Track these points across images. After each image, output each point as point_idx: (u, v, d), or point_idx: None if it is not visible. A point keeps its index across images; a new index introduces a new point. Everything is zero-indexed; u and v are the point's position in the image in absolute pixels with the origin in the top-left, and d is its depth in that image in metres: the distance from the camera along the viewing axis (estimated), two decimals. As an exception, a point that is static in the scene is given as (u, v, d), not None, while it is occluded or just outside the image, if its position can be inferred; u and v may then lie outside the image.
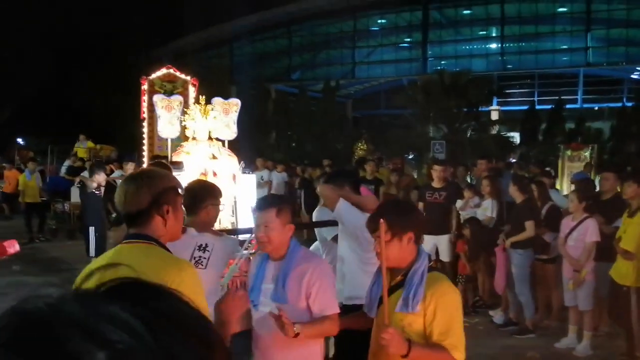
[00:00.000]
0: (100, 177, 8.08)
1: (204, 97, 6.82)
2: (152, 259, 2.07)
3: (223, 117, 6.79)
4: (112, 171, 11.94)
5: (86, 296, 0.61)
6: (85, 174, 12.91)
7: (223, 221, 5.63)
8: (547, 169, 12.17)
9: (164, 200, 2.15)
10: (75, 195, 13.33)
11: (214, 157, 6.44)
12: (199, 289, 2.08)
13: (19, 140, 29.91)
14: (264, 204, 2.98)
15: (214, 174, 6.06)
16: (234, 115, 6.96)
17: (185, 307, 0.65)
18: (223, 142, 6.81)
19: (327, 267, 3.12)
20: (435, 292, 2.42)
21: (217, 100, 6.87)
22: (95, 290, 0.63)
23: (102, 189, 8.75)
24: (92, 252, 7.97)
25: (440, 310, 2.37)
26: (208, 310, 2.01)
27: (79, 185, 13.58)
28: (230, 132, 6.95)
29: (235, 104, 7.04)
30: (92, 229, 7.81)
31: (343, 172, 4.38)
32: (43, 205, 13.59)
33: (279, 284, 2.85)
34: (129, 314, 0.57)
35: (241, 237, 5.56)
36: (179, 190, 2.28)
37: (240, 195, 6.17)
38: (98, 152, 18.68)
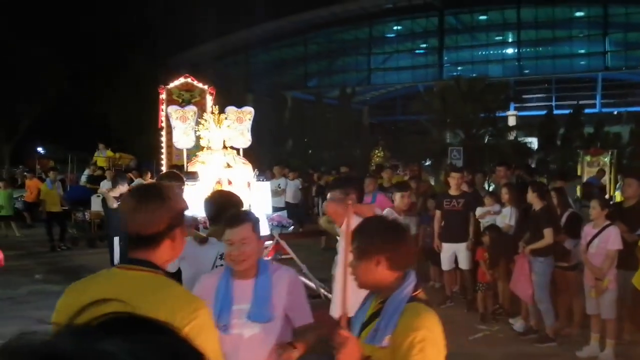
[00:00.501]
0: (123, 188, 8.21)
1: (217, 106, 6.87)
2: (160, 294, 1.82)
3: (237, 125, 6.87)
4: (131, 180, 12.05)
5: (80, 332, 0.60)
6: (105, 183, 13.12)
7: None
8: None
9: (178, 222, 1.96)
10: (95, 204, 13.48)
11: (229, 166, 6.53)
12: (212, 330, 1.92)
13: (40, 149, 30.27)
14: (238, 220, 2.78)
15: (229, 183, 6.18)
16: (247, 124, 7.03)
17: (180, 343, 0.64)
18: (238, 150, 6.86)
19: (298, 277, 3.00)
20: (409, 326, 2.06)
21: (230, 109, 6.96)
22: (88, 326, 0.62)
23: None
24: (116, 261, 8.07)
25: (413, 349, 2.03)
26: (220, 352, 1.94)
27: (98, 196, 13.79)
28: (245, 140, 7.02)
29: (248, 112, 7.13)
30: (116, 239, 7.91)
31: (349, 179, 4.29)
32: (64, 214, 13.73)
33: (260, 302, 2.70)
34: (123, 350, 0.57)
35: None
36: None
37: (254, 202, 6.21)
38: (117, 160, 18.86)
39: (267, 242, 5.97)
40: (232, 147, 6.80)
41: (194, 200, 5.82)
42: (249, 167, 6.73)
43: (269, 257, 6.00)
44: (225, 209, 3.42)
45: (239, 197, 3.81)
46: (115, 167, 16.42)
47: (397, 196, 6.19)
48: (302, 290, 2.90)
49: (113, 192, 8.77)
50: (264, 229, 5.99)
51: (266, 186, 7.23)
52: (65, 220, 13.66)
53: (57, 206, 13.40)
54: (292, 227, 7.09)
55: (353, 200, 3.79)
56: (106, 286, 1.90)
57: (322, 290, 5.73)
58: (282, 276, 2.80)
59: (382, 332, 2.10)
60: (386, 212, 5.19)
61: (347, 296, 2.35)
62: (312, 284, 5.95)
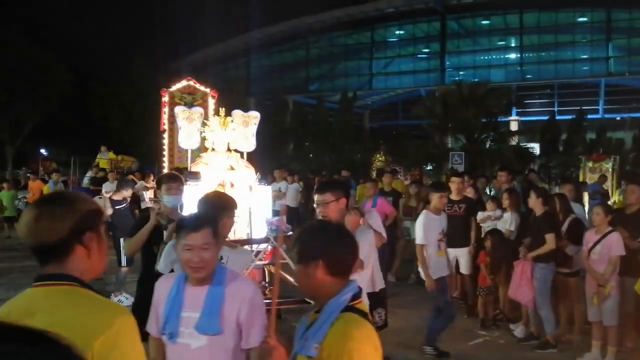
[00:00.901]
0: (127, 193, 8.26)
1: (223, 109, 6.91)
2: (72, 306, 1.68)
3: (242, 129, 6.90)
4: (134, 182, 12.07)
5: None
6: (107, 185, 13.15)
7: (238, 232, 5.70)
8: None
9: (88, 225, 1.76)
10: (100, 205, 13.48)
11: (232, 169, 6.53)
12: (132, 339, 1.72)
13: (43, 151, 30.34)
14: (197, 224, 2.59)
15: (232, 185, 6.15)
16: (253, 128, 7.05)
17: (53, 353, 0.62)
18: (241, 153, 6.88)
19: (258, 290, 2.78)
20: (338, 336, 1.94)
21: (236, 113, 6.97)
22: None
23: (128, 199, 9.01)
24: (123, 262, 8.17)
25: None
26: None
27: (100, 197, 13.79)
28: (249, 144, 7.04)
29: (254, 116, 7.14)
30: (122, 240, 7.97)
31: (339, 182, 4.21)
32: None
33: (209, 312, 2.52)
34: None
35: (255, 247, 5.78)
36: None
37: (255, 206, 6.17)
38: (119, 163, 18.90)
39: (263, 246, 5.91)
40: (236, 150, 6.83)
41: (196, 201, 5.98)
42: (251, 170, 6.75)
43: (267, 262, 6.06)
44: (219, 211, 3.40)
45: (233, 199, 3.74)
46: (117, 169, 16.44)
47: (435, 196, 6.07)
48: (260, 308, 2.66)
49: (116, 196, 8.79)
50: (262, 233, 6.05)
51: (267, 190, 7.15)
52: None
53: None
54: (291, 232, 7.01)
55: (344, 204, 3.82)
56: (22, 304, 1.74)
57: None
58: (240, 288, 2.61)
59: (311, 341, 2.00)
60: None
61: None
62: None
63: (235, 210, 3.66)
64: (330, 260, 2.05)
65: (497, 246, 7.00)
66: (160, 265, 3.81)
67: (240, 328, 2.56)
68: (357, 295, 2.08)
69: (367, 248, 3.98)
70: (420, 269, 6.25)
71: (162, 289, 2.70)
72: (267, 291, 5.55)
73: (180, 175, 5.00)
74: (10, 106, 26.53)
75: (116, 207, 8.32)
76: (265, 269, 6.28)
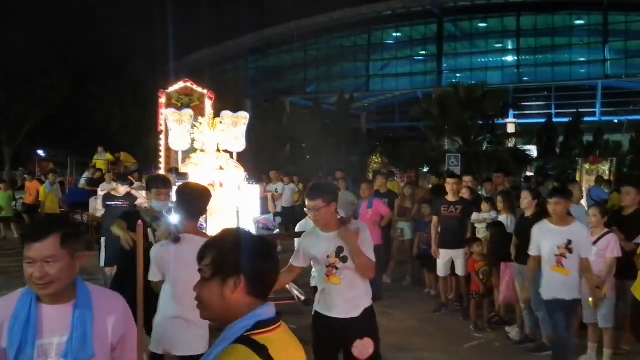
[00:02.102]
0: (123, 188, 8.17)
1: (213, 111, 6.96)
2: None
3: (232, 129, 6.96)
4: (132, 183, 12.03)
5: None
6: (104, 185, 13.13)
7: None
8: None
9: None
10: (93, 206, 13.49)
11: (221, 169, 6.64)
12: None
13: (40, 152, 30.29)
14: (39, 233, 2.14)
15: (221, 185, 6.22)
16: (242, 128, 7.08)
17: None
18: (231, 154, 6.94)
19: (129, 310, 2.40)
20: None
21: (225, 113, 7.06)
22: None
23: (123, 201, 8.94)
24: (102, 262, 7.96)
25: None
26: None
27: (96, 198, 13.80)
28: (239, 144, 7.08)
29: (243, 117, 7.17)
30: (103, 240, 7.89)
31: (328, 187, 4.18)
32: (63, 216, 13.76)
33: (80, 335, 2.14)
34: None
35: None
36: None
37: (243, 205, 6.25)
38: (123, 163, 18.92)
39: None
40: (225, 151, 6.91)
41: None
42: (240, 170, 6.84)
43: None
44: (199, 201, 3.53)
45: (209, 190, 3.83)
46: (114, 170, 16.42)
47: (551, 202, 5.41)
48: (132, 325, 2.37)
49: (113, 192, 8.72)
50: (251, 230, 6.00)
51: (255, 189, 7.20)
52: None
53: (56, 208, 13.42)
54: (277, 230, 7.19)
55: (334, 208, 3.82)
56: None
57: (296, 292, 5.71)
58: (109, 304, 2.27)
59: None
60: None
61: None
62: (289, 287, 5.95)
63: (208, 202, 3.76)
64: (254, 277, 1.72)
65: (495, 238, 6.94)
66: (150, 274, 3.67)
67: (113, 348, 2.25)
68: (262, 324, 1.69)
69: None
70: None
71: (6, 310, 2.15)
72: None
73: (168, 178, 5.01)
74: (9, 107, 26.55)
75: (108, 203, 8.09)
76: None
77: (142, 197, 8.46)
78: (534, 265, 5.37)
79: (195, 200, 3.76)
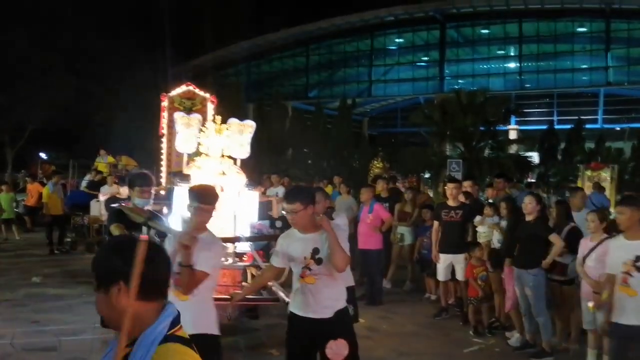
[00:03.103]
0: (125, 191, 8.26)
1: (219, 116, 7.13)
2: None
3: (237, 136, 7.08)
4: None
5: None
6: (105, 188, 13.18)
7: (225, 233, 5.90)
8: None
9: None
10: (94, 209, 13.54)
11: (224, 174, 6.74)
12: None
13: (42, 155, 30.37)
14: None
15: (221, 189, 6.25)
16: (248, 136, 7.22)
17: None
18: (235, 160, 7.08)
19: None
20: None
21: (232, 121, 7.16)
22: None
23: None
24: None
25: None
26: None
27: (97, 201, 13.85)
28: (243, 151, 7.19)
29: (250, 125, 7.31)
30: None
31: (306, 191, 4.33)
32: (65, 218, 13.81)
33: None
34: None
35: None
36: None
37: (241, 210, 6.49)
38: (125, 166, 18.93)
39: (246, 249, 6.48)
40: (229, 157, 7.05)
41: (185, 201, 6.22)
42: (242, 176, 6.96)
43: (248, 263, 6.50)
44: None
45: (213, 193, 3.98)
46: (115, 173, 16.44)
47: (626, 212, 4.72)
48: None
49: (119, 195, 8.80)
50: (247, 234, 6.54)
51: (255, 195, 7.37)
52: (66, 225, 13.73)
53: (59, 209, 13.46)
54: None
55: (312, 211, 3.93)
56: None
57: (282, 294, 5.80)
58: None
59: None
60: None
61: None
62: (275, 289, 6.10)
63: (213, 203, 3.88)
64: (140, 282, 1.68)
65: (514, 214, 6.88)
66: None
67: None
68: (176, 321, 1.75)
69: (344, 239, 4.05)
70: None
71: None
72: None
73: (149, 175, 5.08)
74: (12, 109, 26.61)
75: (112, 205, 8.19)
76: (247, 270, 6.63)
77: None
78: (609, 285, 4.70)
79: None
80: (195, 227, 3.78)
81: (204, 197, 3.85)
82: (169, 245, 3.79)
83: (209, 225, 3.93)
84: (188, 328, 3.13)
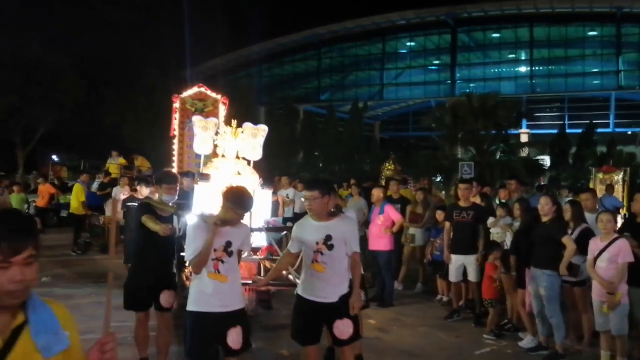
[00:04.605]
0: (145, 191, 8.48)
1: (235, 120, 7.56)
2: None
3: (251, 139, 7.63)
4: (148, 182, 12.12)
5: None
6: (117, 189, 13.24)
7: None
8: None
9: None
10: (109, 209, 13.62)
11: (239, 174, 7.34)
12: None
13: (54, 157, 30.59)
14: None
15: None
16: (260, 139, 7.75)
17: None
18: (248, 161, 7.59)
19: None
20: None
21: (247, 125, 7.66)
22: None
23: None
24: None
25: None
26: None
27: (109, 199, 13.96)
28: (256, 153, 7.71)
29: (263, 129, 7.82)
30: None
31: (326, 182, 4.92)
32: (82, 219, 13.81)
33: None
34: None
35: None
36: None
37: (255, 207, 6.64)
38: (140, 166, 19.01)
39: (260, 244, 7.12)
40: (243, 158, 7.58)
41: (206, 198, 6.54)
42: (256, 176, 7.54)
43: (262, 256, 7.06)
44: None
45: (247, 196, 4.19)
46: (126, 174, 16.52)
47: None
48: None
49: (138, 194, 8.98)
50: (260, 235, 7.13)
51: (268, 194, 8.00)
52: (82, 225, 13.76)
53: (83, 210, 13.51)
54: (285, 232, 7.91)
55: (328, 201, 4.36)
56: None
57: (297, 280, 6.14)
58: None
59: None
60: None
61: None
62: (291, 277, 6.54)
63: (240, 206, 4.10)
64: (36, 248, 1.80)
65: (526, 215, 6.87)
66: (187, 253, 4.03)
67: None
68: None
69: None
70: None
71: None
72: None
73: (177, 176, 5.74)
74: (23, 111, 26.82)
75: (130, 204, 8.63)
76: (261, 263, 7.10)
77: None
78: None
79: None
80: (226, 221, 4.03)
81: (247, 205, 4.11)
82: (198, 232, 4.00)
83: None
84: (234, 304, 4.05)
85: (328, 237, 4.25)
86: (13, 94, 25.29)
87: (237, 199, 4.03)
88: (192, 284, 4.13)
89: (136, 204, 8.02)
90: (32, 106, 26.87)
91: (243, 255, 4.57)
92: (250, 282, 6.00)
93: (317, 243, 4.27)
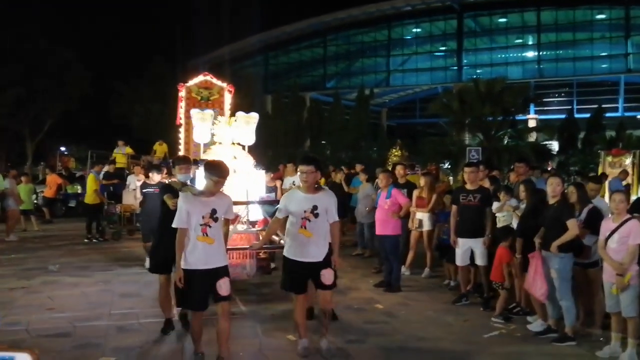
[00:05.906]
0: (156, 177, 9.36)
1: (234, 109, 8.31)
2: None
3: (244, 126, 8.65)
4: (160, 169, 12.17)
5: None
6: (131, 178, 13.35)
7: (237, 209, 7.11)
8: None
9: None
10: (127, 198, 13.68)
11: (235, 158, 8.30)
12: None
13: (62, 148, 30.73)
14: None
15: (234, 171, 7.57)
16: (253, 126, 8.77)
17: None
18: (243, 146, 8.77)
19: None
20: None
21: (240, 114, 8.73)
22: None
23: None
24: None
25: None
26: None
27: (112, 189, 14.15)
28: (250, 139, 8.76)
29: (254, 117, 8.82)
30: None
31: (319, 159, 5.66)
32: (98, 208, 13.79)
33: None
34: None
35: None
36: None
37: (251, 186, 8.05)
38: (159, 153, 19.04)
39: (257, 218, 7.99)
40: (238, 144, 8.63)
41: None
42: (250, 159, 8.65)
43: (260, 228, 7.86)
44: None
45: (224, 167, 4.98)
46: (134, 164, 16.54)
47: None
48: None
49: (150, 180, 9.24)
50: (258, 209, 7.98)
51: (261, 174, 8.98)
52: (98, 214, 13.75)
53: (97, 198, 13.52)
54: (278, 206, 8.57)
55: (319, 177, 5.42)
56: None
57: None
58: None
59: None
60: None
61: None
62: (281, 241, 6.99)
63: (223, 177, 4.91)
64: None
65: (533, 199, 6.80)
66: (175, 221, 4.88)
67: None
68: None
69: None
70: None
71: None
72: (261, 253, 7.50)
73: (189, 158, 6.62)
74: (31, 103, 26.92)
75: (144, 190, 9.39)
76: (259, 234, 7.61)
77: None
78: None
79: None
80: (211, 192, 4.90)
81: (221, 172, 4.87)
82: (181, 201, 4.91)
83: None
84: (219, 262, 4.93)
85: (315, 207, 5.24)
86: (21, 86, 25.37)
87: (210, 167, 4.87)
88: (187, 248, 4.87)
89: (152, 190, 9.06)
90: (40, 98, 26.97)
91: (241, 229, 5.94)
92: (248, 247, 6.91)
93: (305, 211, 5.23)
